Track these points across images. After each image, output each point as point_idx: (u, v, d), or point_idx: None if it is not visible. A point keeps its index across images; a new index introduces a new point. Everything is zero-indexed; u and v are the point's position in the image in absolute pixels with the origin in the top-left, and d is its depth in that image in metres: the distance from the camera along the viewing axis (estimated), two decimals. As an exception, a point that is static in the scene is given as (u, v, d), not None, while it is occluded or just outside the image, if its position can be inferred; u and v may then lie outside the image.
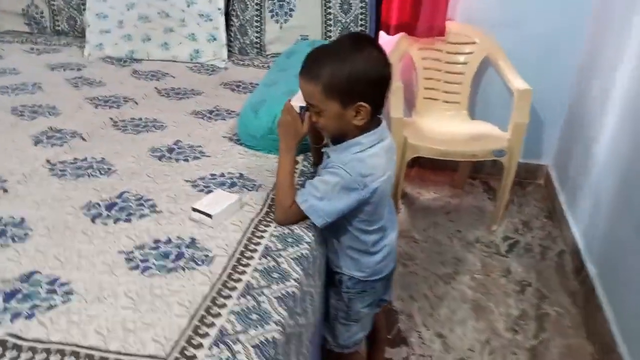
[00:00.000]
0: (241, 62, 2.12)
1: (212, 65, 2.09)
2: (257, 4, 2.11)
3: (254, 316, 0.89)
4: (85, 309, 0.89)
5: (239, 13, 2.15)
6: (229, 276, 0.97)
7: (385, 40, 2.26)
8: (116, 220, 1.11)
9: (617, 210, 1.73)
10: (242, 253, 1.04)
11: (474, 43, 2.28)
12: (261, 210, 1.18)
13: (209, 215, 1.10)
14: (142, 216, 1.13)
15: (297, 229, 1.12)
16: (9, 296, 0.91)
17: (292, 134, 1.13)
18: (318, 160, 1.29)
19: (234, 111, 1.65)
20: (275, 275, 0.99)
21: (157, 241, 1.05)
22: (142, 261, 1.00)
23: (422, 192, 2.50)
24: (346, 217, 1.13)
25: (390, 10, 2.20)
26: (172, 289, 0.93)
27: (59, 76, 1.94)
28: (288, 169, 1.14)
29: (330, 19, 2.07)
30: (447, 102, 2.37)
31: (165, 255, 1.01)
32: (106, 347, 0.82)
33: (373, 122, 1.10)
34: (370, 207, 1.13)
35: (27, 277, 0.95)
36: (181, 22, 2.09)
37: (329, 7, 2.06)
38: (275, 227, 1.12)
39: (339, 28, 2.07)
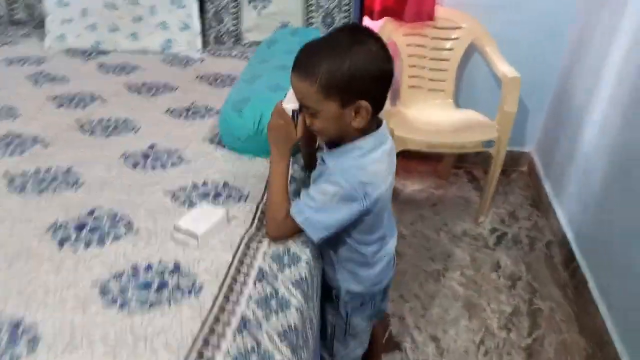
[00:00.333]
0: (217, 53, 1.97)
1: (185, 56, 1.94)
2: (233, -12, 1.97)
3: (254, 359, 0.78)
4: (55, 360, 0.76)
5: (213, -2, 1.99)
6: (221, 308, 0.86)
7: (368, 25, 2.14)
8: (87, 244, 0.99)
9: (606, 196, 1.70)
10: (233, 277, 0.93)
11: (460, 28, 2.19)
12: (251, 225, 1.07)
13: (194, 236, 0.98)
14: (116, 237, 1.01)
15: (292, 246, 1.02)
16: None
17: (285, 139, 1.01)
18: (310, 165, 1.19)
19: (212, 108, 1.53)
20: (274, 303, 0.89)
21: (135, 268, 0.93)
22: (119, 294, 0.88)
23: (407, 184, 2.43)
24: (345, 228, 1.03)
25: (374, -5, 2.09)
26: (157, 329, 0.82)
27: (17, 72, 1.77)
28: (281, 179, 1.03)
29: (312, 5, 1.94)
30: (432, 90, 2.28)
31: (146, 286, 0.90)
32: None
33: (373, 123, 1.00)
34: (371, 218, 1.03)
35: (-17, 321, 0.82)
36: (151, 9, 1.94)
37: (310, -8, 1.93)
38: (268, 245, 1.02)
39: (322, 14, 1.95)
